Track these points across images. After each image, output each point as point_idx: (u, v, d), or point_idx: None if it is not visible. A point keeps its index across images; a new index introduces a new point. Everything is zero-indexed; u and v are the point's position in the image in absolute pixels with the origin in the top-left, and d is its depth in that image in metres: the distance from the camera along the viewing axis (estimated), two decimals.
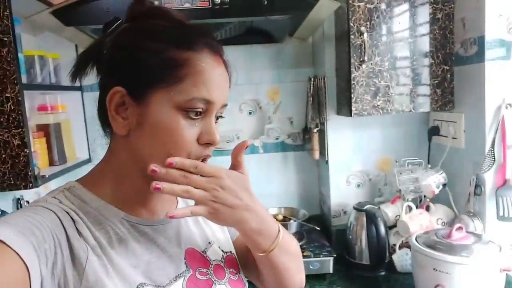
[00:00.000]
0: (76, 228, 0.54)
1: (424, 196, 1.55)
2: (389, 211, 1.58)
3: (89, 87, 1.73)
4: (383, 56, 1.42)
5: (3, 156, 1.12)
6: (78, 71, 0.62)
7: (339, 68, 1.60)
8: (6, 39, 1.07)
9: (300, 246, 1.60)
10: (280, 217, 1.71)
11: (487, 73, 1.29)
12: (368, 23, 1.40)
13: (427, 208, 1.52)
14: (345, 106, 1.52)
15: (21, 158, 1.13)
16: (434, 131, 1.63)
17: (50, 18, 1.25)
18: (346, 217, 1.69)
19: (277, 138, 1.87)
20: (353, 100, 1.43)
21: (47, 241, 0.49)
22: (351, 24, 1.39)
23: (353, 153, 1.72)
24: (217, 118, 0.62)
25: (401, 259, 1.46)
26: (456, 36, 1.43)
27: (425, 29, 1.43)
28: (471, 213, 1.38)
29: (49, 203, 0.55)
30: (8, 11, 1.07)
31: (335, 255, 1.47)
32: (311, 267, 1.45)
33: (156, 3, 1.21)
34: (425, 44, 1.44)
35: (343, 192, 1.73)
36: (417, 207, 1.54)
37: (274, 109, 1.85)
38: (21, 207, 1.35)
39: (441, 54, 1.44)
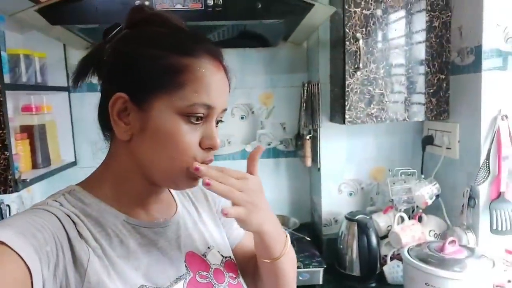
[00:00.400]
0: (77, 230, 0.55)
1: (417, 206, 1.52)
2: (381, 221, 1.56)
3: (76, 88, 1.69)
4: (378, 64, 1.40)
5: None
6: (79, 76, 0.64)
7: (333, 75, 1.57)
8: None
9: None
10: None
11: (483, 83, 1.27)
12: (364, 29, 1.37)
13: (420, 219, 1.50)
14: (338, 114, 1.49)
15: (1, 161, 1.09)
16: (428, 141, 1.60)
17: (36, 16, 1.21)
18: (337, 226, 1.66)
19: (269, 144, 1.83)
20: (347, 108, 1.40)
21: (48, 243, 0.49)
22: (347, 30, 1.37)
23: (346, 161, 1.69)
24: (217, 123, 0.63)
25: (392, 270, 1.43)
26: (452, 44, 1.41)
27: (421, 37, 1.41)
28: (464, 225, 1.36)
29: (50, 206, 0.56)
30: None
31: (325, 266, 1.44)
32: (300, 278, 1.41)
33: (147, 3, 1.18)
34: (421, 52, 1.41)
35: (335, 200, 1.70)
36: (409, 218, 1.51)
37: (267, 114, 1.82)
38: (1, 212, 1.30)
39: (437, 62, 1.42)
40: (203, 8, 1.21)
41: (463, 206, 1.37)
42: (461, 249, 1.17)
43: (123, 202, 0.62)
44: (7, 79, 1.23)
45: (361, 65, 1.37)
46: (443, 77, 1.42)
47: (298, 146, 1.78)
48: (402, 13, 1.39)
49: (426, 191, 1.44)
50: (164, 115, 0.57)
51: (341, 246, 1.52)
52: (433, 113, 1.45)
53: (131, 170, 0.61)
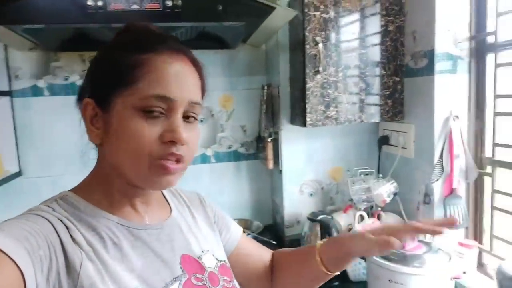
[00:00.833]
0: (70, 234, 0.54)
1: (376, 204, 1.57)
2: (342, 220, 1.59)
3: (20, 92, 1.56)
4: (337, 67, 1.42)
5: None
6: (81, 91, 0.65)
7: (293, 78, 1.58)
8: None
9: None
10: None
11: (436, 86, 1.33)
12: (323, 33, 1.39)
13: (379, 217, 1.55)
14: (299, 116, 1.50)
15: None
16: (384, 141, 1.66)
17: None
18: (299, 226, 1.68)
19: (229, 147, 1.81)
20: (307, 111, 1.42)
21: (41, 248, 0.49)
22: (307, 34, 1.38)
23: (306, 163, 1.71)
24: (189, 118, 0.61)
25: (354, 268, 1.46)
26: (406, 48, 1.46)
27: (377, 40, 1.45)
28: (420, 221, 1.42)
29: (42, 211, 0.55)
30: None
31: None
32: None
33: (100, 3, 1.11)
34: (377, 56, 1.46)
35: (296, 201, 1.72)
36: (368, 216, 1.55)
37: (227, 117, 1.79)
38: None
39: (392, 65, 1.47)
40: (161, 9, 1.16)
41: (418, 203, 1.43)
42: (420, 244, 1.22)
43: (114, 205, 0.62)
44: None
45: (321, 69, 1.39)
46: (398, 79, 1.48)
47: (259, 149, 1.77)
48: (359, 17, 1.43)
49: (385, 190, 1.48)
50: (122, 113, 0.57)
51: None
52: (389, 114, 1.50)
53: (112, 173, 0.61)
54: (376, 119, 1.50)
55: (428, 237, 1.37)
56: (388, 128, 1.65)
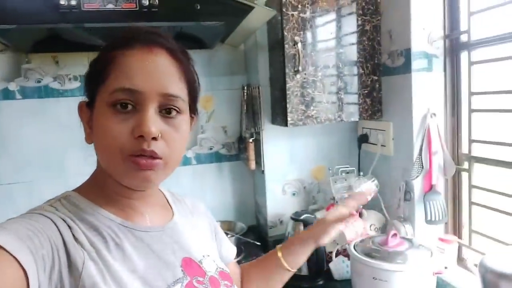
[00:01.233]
0: (73, 234, 0.54)
1: None
2: None
3: None
4: (316, 66, 1.43)
5: None
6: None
7: (273, 78, 1.58)
8: None
9: (239, 261, 1.54)
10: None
11: (413, 84, 1.35)
12: (301, 32, 1.39)
13: (361, 215, 1.56)
14: (280, 116, 1.50)
15: None
16: (363, 139, 1.68)
17: None
18: (283, 227, 1.67)
19: (210, 148, 1.79)
20: (288, 110, 1.41)
21: (44, 247, 0.49)
22: (285, 33, 1.38)
23: (288, 162, 1.71)
24: (170, 112, 0.59)
25: (338, 267, 1.46)
26: (383, 47, 1.48)
27: (354, 40, 1.46)
28: (401, 218, 1.44)
29: (45, 210, 0.56)
30: None
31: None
32: None
33: (73, 3, 1.08)
34: (355, 55, 1.47)
35: (279, 201, 1.71)
36: None
37: (207, 118, 1.77)
38: None
39: (370, 64, 1.48)
40: (137, 9, 1.13)
41: (399, 200, 1.45)
42: (402, 241, 1.23)
43: (115, 206, 0.62)
44: None
45: (300, 68, 1.39)
46: (376, 78, 1.50)
47: (241, 150, 1.76)
48: (336, 17, 1.43)
49: (366, 188, 1.50)
50: (97, 110, 0.58)
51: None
52: (367, 113, 1.51)
53: (105, 174, 0.61)
54: (355, 118, 1.51)
55: (409, 234, 1.39)
56: (367, 127, 1.66)
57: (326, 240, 0.88)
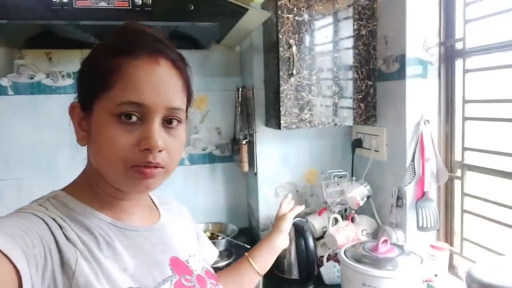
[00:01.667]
0: (64, 233, 0.54)
1: (349, 207, 1.58)
2: (316, 222, 1.59)
3: None
4: (311, 70, 1.42)
5: None
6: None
7: (267, 80, 1.57)
8: None
9: (229, 263, 1.53)
10: (208, 233, 1.62)
11: (407, 90, 1.35)
12: (296, 35, 1.39)
13: (352, 220, 1.55)
14: (273, 118, 1.49)
15: None
16: (357, 144, 1.67)
17: None
18: None
19: (204, 149, 1.78)
20: (282, 113, 1.41)
21: (36, 246, 0.49)
22: (280, 36, 1.37)
23: (281, 165, 1.70)
24: (171, 122, 0.60)
25: (329, 271, 1.46)
26: (379, 52, 1.48)
27: (350, 44, 1.46)
28: (393, 224, 1.43)
29: (35, 210, 0.55)
30: None
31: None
32: None
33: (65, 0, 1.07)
34: (350, 59, 1.47)
35: (272, 204, 1.70)
36: (342, 218, 1.56)
37: (201, 119, 1.76)
38: None
39: (365, 69, 1.48)
40: (130, 7, 1.12)
41: (391, 205, 1.44)
42: (393, 247, 1.23)
43: (105, 206, 0.63)
44: None
45: (294, 71, 1.38)
46: (371, 83, 1.49)
47: (234, 151, 1.75)
48: (332, 21, 1.43)
49: (358, 193, 1.49)
50: (99, 118, 0.57)
51: None
52: (361, 117, 1.51)
53: (97, 175, 0.62)
54: (349, 122, 1.50)
55: (400, 240, 1.39)
56: (361, 131, 1.66)
57: (285, 238, 1.04)
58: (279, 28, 1.36)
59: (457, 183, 1.38)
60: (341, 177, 1.62)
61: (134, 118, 0.56)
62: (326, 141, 1.74)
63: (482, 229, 1.29)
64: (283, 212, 1.11)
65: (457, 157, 1.37)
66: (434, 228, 1.36)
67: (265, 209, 1.69)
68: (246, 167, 1.67)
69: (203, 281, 0.70)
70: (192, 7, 1.16)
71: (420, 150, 1.35)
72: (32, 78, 1.55)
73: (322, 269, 1.46)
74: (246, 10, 1.20)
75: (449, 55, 1.37)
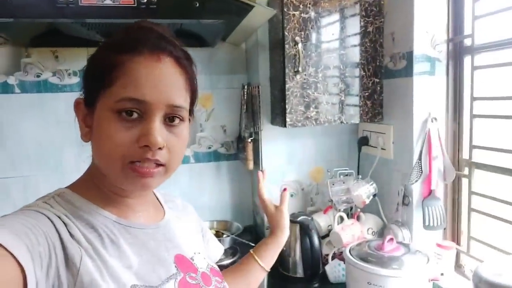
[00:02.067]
0: (69, 231, 0.55)
1: (355, 205, 1.57)
2: (322, 221, 1.58)
3: None
4: (317, 67, 1.41)
5: None
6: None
7: (273, 77, 1.56)
8: None
9: (234, 261, 1.54)
10: (213, 231, 1.63)
11: (415, 87, 1.33)
12: (302, 32, 1.38)
13: (358, 218, 1.54)
14: (279, 116, 1.49)
15: None
16: (363, 142, 1.66)
17: None
18: None
19: (209, 147, 1.78)
20: (287, 111, 1.40)
21: (41, 244, 0.49)
22: (286, 33, 1.36)
23: (287, 163, 1.69)
24: (173, 120, 0.59)
25: (334, 270, 1.45)
26: (385, 49, 1.46)
27: (356, 41, 1.45)
28: (399, 222, 1.42)
29: (40, 207, 0.55)
30: None
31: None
32: None
33: None
34: (356, 57, 1.45)
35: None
36: (348, 217, 1.55)
37: (207, 116, 1.76)
38: None
39: (372, 66, 1.46)
40: (135, 5, 1.12)
41: (398, 204, 1.43)
42: (399, 246, 1.22)
43: (110, 204, 0.63)
44: None
45: (300, 69, 1.38)
46: (377, 80, 1.48)
47: (240, 149, 1.75)
48: (338, 17, 1.42)
49: (364, 191, 1.48)
50: (101, 114, 0.57)
51: (284, 248, 1.51)
52: (368, 115, 1.50)
53: (100, 171, 0.62)
54: (356, 120, 1.49)
55: (406, 239, 1.38)
56: (367, 129, 1.65)
57: (287, 231, 1.01)
58: (285, 25, 1.36)
59: (464, 181, 1.37)
60: (347, 175, 1.61)
61: (134, 115, 0.56)
62: (332, 139, 1.73)
63: (490, 228, 1.28)
64: (263, 193, 1.05)
65: (465, 155, 1.36)
66: (441, 227, 1.35)
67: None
68: (251, 165, 1.67)
69: (208, 278, 0.70)
70: (198, 4, 1.15)
71: (427, 148, 1.34)
72: (38, 76, 1.56)
73: (327, 268, 1.46)
74: (252, 7, 1.19)
75: (457, 52, 1.36)
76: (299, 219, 1.49)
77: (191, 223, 0.81)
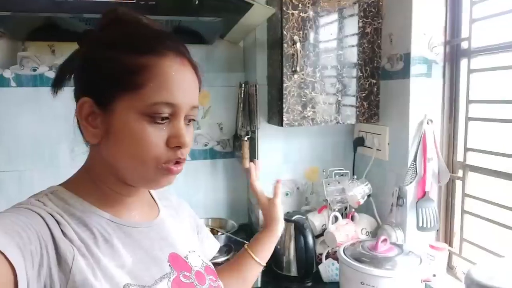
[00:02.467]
0: (61, 229, 0.54)
1: (350, 205, 1.58)
2: (316, 220, 1.59)
3: None
4: (314, 67, 1.41)
5: None
6: (56, 83, 0.64)
7: (270, 77, 1.56)
8: None
9: (228, 259, 1.54)
10: (208, 229, 1.62)
11: (411, 89, 1.34)
12: (301, 32, 1.38)
13: (352, 218, 1.55)
14: (276, 116, 1.49)
15: None
16: (359, 142, 1.67)
17: None
18: None
19: (205, 145, 1.78)
20: (284, 110, 1.40)
21: (32, 242, 0.49)
22: (285, 33, 1.36)
23: (283, 162, 1.70)
24: (189, 121, 0.63)
25: (328, 269, 1.46)
26: (383, 51, 1.47)
27: (354, 42, 1.45)
28: (393, 223, 1.43)
29: (33, 205, 0.55)
30: None
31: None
32: None
33: None
34: (354, 57, 1.46)
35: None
36: (342, 216, 1.56)
37: (203, 114, 1.76)
38: None
39: (369, 67, 1.47)
40: (135, 1, 1.12)
41: (392, 205, 1.44)
42: (392, 247, 1.23)
43: (105, 202, 0.62)
44: None
45: (298, 68, 1.38)
46: (374, 81, 1.48)
47: (236, 147, 1.75)
48: (337, 18, 1.42)
49: (359, 191, 1.49)
50: (127, 116, 0.57)
51: (278, 247, 1.52)
52: (364, 116, 1.50)
53: (106, 172, 0.62)
54: (352, 120, 1.50)
55: (400, 239, 1.39)
56: (363, 130, 1.65)
57: (282, 225, 1.00)
58: (283, 24, 1.36)
59: (458, 183, 1.38)
60: (342, 175, 1.62)
61: (165, 118, 0.58)
62: (328, 139, 1.73)
63: (482, 230, 1.29)
64: (255, 184, 1.06)
65: (459, 157, 1.37)
66: (434, 228, 1.36)
67: None
68: (247, 164, 1.67)
69: (202, 277, 0.70)
70: (197, 2, 1.15)
71: (422, 149, 1.35)
72: (35, 70, 1.55)
73: (320, 267, 1.46)
74: (251, 5, 1.20)
75: (454, 55, 1.36)
76: (294, 218, 1.49)
77: (186, 220, 0.81)
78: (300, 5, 1.36)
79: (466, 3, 1.30)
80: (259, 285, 1.42)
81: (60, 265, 0.52)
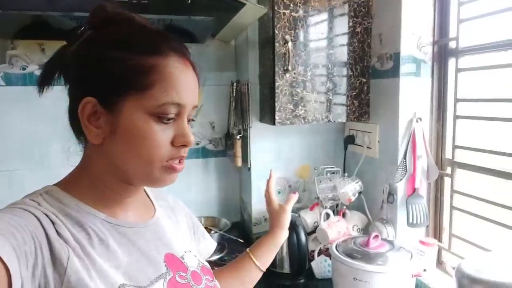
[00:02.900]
0: (56, 230, 0.54)
1: (341, 203, 1.60)
2: (308, 217, 1.60)
3: None
4: (306, 66, 1.43)
5: None
6: (44, 81, 0.63)
7: (262, 75, 1.57)
8: None
9: (222, 257, 1.55)
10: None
11: (401, 88, 1.36)
12: (292, 31, 1.39)
13: (344, 215, 1.57)
14: (268, 114, 1.50)
15: None
16: (349, 140, 1.69)
17: None
18: (267, 224, 1.66)
19: (197, 144, 1.78)
20: (276, 109, 1.41)
21: (27, 243, 0.49)
22: (276, 32, 1.37)
23: (275, 160, 1.71)
24: (188, 120, 0.64)
25: (320, 266, 1.48)
26: (373, 50, 1.49)
27: (345, 41, 1.47)
28: (384, 220, 1.45)
29: (27, 205, 0.55)
30: None
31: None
32: None
33: None
34: (344, 56, 1.47)
35: (264, 199, 1.71)
36: (334, 213, 1.57)
37: (195, 113, 1.76)
38: None
39: (359, 66, 1.49)
40: (127, 0, 1.12)
41: (382, 202, 1.47)
42: (383, 243, 1.25)
43: (101, 202, 0.62)
44: None
45: (290, 67, 1.39)
46: (365, 80, 1.50)
47: (228, 146, 1.76)
48: (328, 17, 1.44)
49: (350, 189, 1.51)
50: (134, 116, 0.57)
51: None
52: (355, 114, 1.52)
53: (107, 172, 0.61)
54: (343, 119, 1.52)
55: (391, 235, 1.41)
56: (354, 128, 1.67)
57: (286, 232, 1.03)
58: (275, 24, 1.37)
59: (447, 180, 1.41)
60: (333, 173, 1.64)
61: (172, 117, 0.59)
62: (319, 137, 1.75)
63: (470, 226, 1.32)
64: (272, 191, 1.09)
65: (448, 155, 1.40)
66: (424, 224, 1.38)
67: (258, 203, 1.70)
68: (239, 162, 1.68)
69: (198, 277, 0.70)
70: (189, 1, 1.15)
71: (412, 147, 1.37)
72: (24, 69, 1.54)
73: (313, 264, 1.48)
74: (243, 4, 1.20)
75: (442, 54, 1.39)
76: None
77: (182, 220, 0.81)
78: (291, 5, 1.38)
79: (454, 4, 1.33)
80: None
81: (55, 265, 0.51)
